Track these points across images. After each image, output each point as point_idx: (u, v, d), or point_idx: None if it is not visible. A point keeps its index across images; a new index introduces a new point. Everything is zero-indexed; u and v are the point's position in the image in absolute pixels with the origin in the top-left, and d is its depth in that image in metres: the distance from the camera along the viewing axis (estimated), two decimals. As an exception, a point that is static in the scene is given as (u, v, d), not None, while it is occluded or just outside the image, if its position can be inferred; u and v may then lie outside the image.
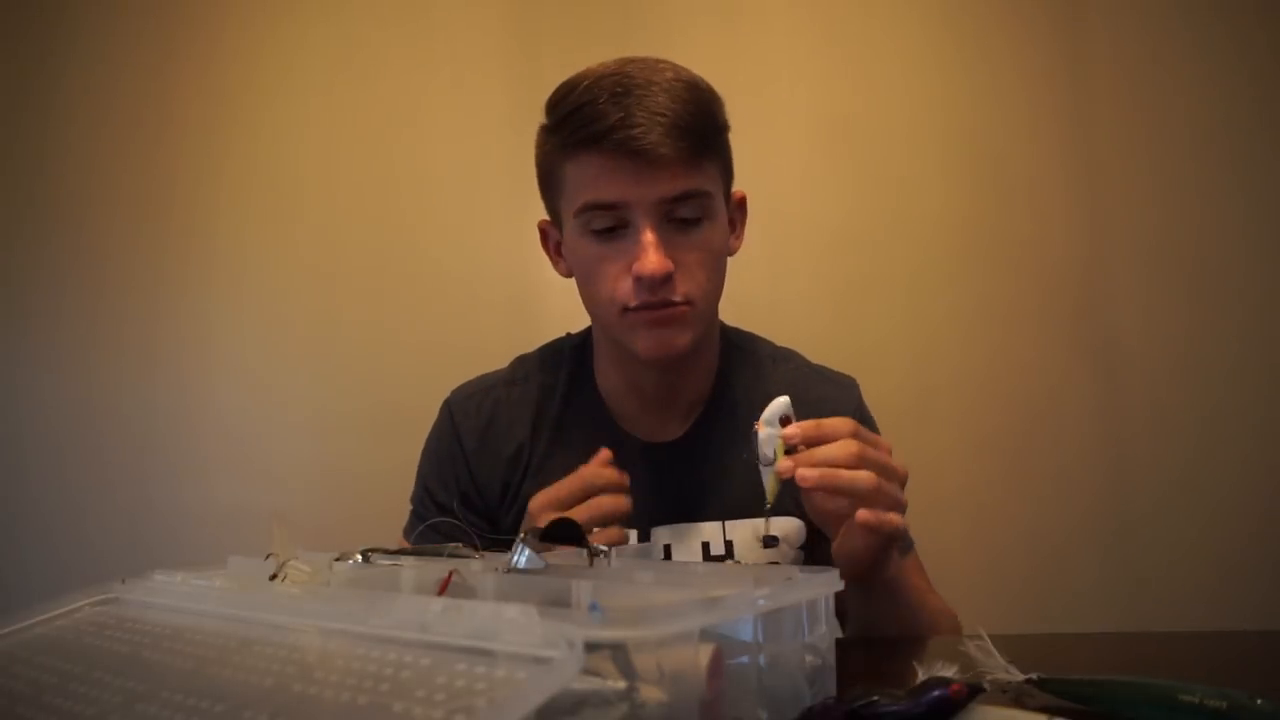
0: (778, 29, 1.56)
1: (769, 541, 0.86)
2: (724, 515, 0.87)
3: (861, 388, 0.97)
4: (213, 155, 1.60)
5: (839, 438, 0.68)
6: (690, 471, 0.89)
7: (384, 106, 1.60)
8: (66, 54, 1.63)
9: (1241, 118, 1.52)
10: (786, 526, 0.87)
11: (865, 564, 0.71)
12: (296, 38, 1.62)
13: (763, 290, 1.48)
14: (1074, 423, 1.50)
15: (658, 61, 0.81)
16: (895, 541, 0.71)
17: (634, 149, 0.75)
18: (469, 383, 0.97)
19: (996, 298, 1.52)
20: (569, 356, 0.96)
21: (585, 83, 0.79)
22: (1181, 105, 1.53)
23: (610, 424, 0.92)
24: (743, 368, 0.94)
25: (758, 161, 1.53)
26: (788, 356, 0.97)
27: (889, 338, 1.49)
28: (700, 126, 0.78)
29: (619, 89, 0.77)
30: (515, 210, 1.56)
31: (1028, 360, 1.52)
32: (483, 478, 0.91)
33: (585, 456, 0.87)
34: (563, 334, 1.00)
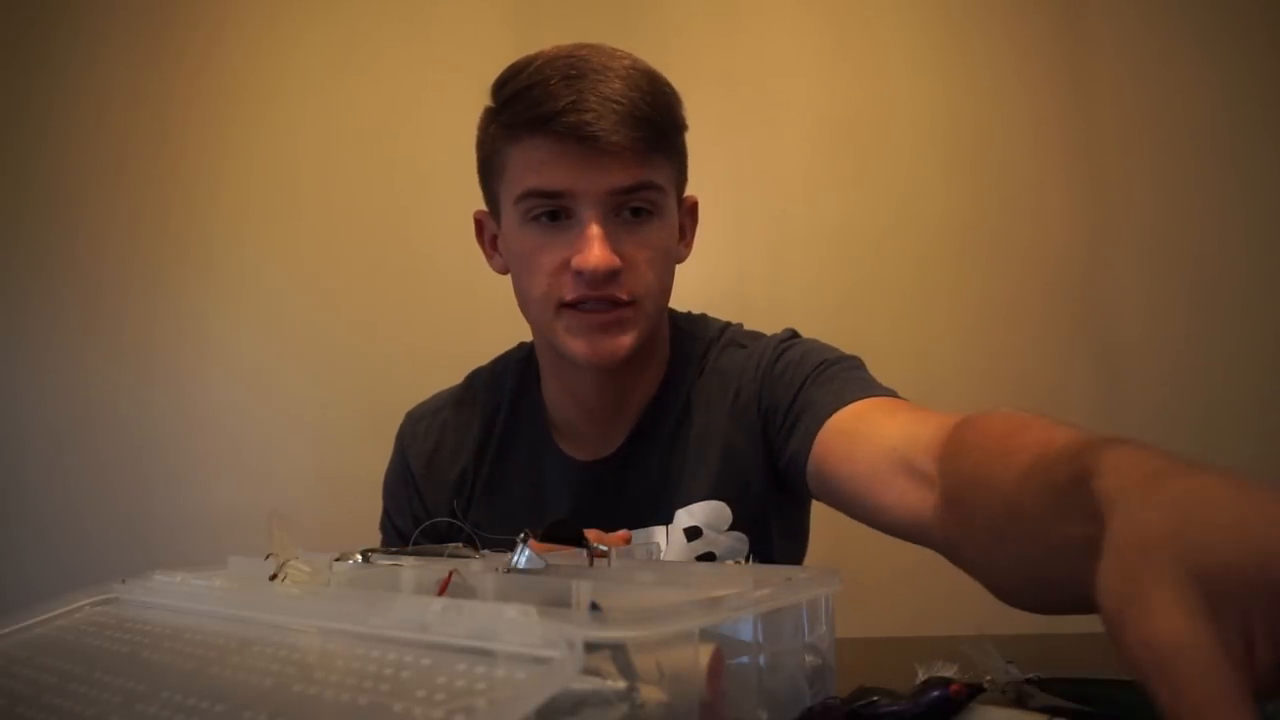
0: (779, 28, 1.56)
1: (691, 534, 0.82)
2: (655, 521, 0.83)
3: None
4: (211, 155, 1.61)
5: None
6: (622, 485, 0.85)
7: (383, 106, 1.60)
8: (64, 53, 1.63)
9: (1242, 117, 1.52)
10: (705, 513, 0.82)
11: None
12: (294, 37, 1.62)
13: (763, 290, 1.48)
14: (1076, 422, 1.50)
15: (615, 49, 0.76)
16: None
17: (584, 134, 0.69)
18: (421, 405, 0.93)
19: (998, 297, 1.53)
20: (514, 370, 0.91)
21: (536, 63, 0.74)
22: (1183, 106, 1.54)
23: (548, 443, 0.87)
24: (690, 364, 0.87)
25: (759, 161, 1.53)
26: (723, 337, 0.89)
27: (890, 337, 1.49)
28: (657, 119, 0.73)
29: (572, 71, 0.71)
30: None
31: (1029, 359, 1.52)
32: (430, 501, 0.88)
33: (529, 477, 0.86)
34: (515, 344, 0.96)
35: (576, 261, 0.72)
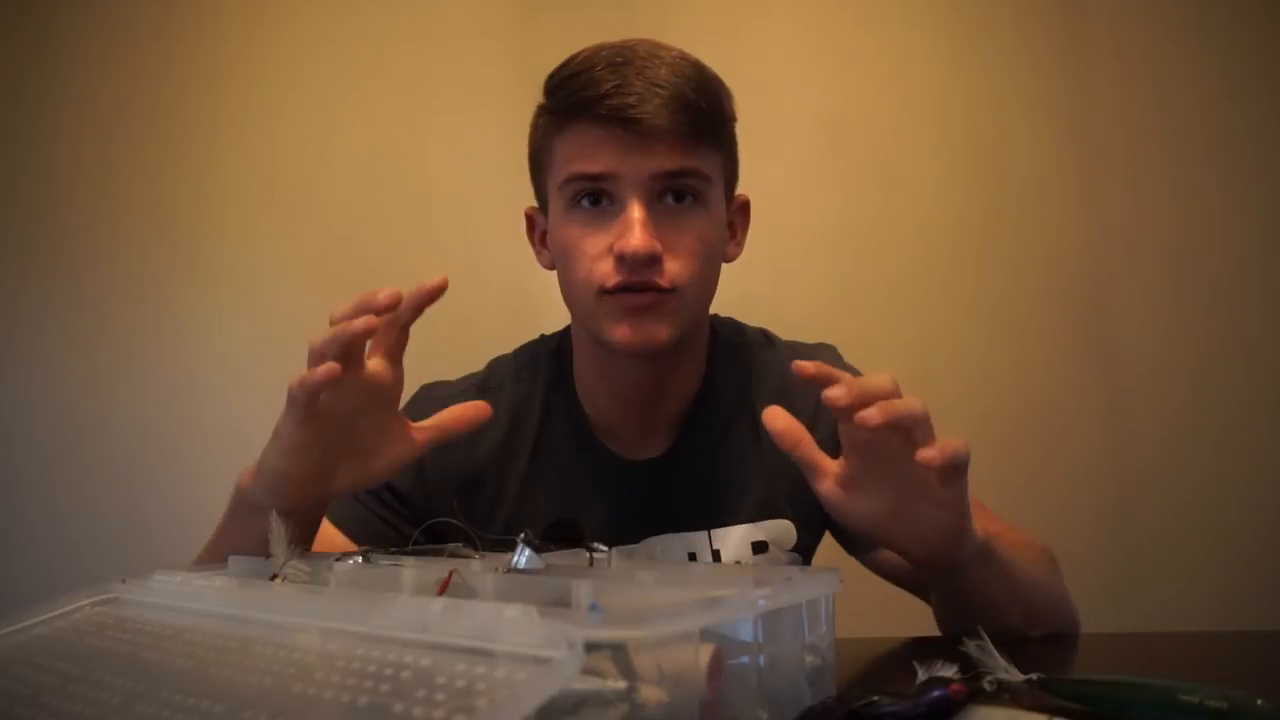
0: (778, 27, 1.57)
1: (758, 548, 0.82)
2: (709, 524, 0.83)
3: None
4: (205, 152, 1.60)
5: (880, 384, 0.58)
6: (675, 486, 0.84)
7: (381, 106, 1.60)
8: (57, 50, 1.62)
9: (1243, 117, 1.52)
10: (775, 530, 0.83)
11: (948, 530, 0.61)
12: (290, 35, 1.62)
13: (763, 290, 1.48)
14: (1075, 423, 1.50)
15: (665, 43, 0.76)
16: (961, 480, 0.59)
17: (627, 118, 0.69)
18: (437, 384, 0.89)
19: (997, 299, 1.53)
20: (546, 362, 0.87)
21: (584, 54, 0.74)
22: (1182, 105, 1.54)
23: (590, 440, 0.84)
24: (731, 364, 0.87)
25: (757, 160, 1.53)
26: (769, 340, 0.91)
27: (889, 338, 1.49)
28: (702, 105, 0.72)
29: (618, 59, 0.72)
30: (515, 209, 1.55)
31: (1028, 360, 1.52)
32: (432, 483, 0.82)
33: (567, 476, 0.83)
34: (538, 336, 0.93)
35: (618, 246, 0.71)
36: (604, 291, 0.73)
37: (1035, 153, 1.55)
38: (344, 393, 0.58)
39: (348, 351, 0.57)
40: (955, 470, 0.58)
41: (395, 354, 0.63)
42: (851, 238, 1.54)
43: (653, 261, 0.71)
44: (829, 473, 0.64)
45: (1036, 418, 1.50)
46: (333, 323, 0.58)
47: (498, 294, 1.52)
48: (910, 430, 0.57)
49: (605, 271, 0.73)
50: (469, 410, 0.66)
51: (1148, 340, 1.51)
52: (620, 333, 0.73)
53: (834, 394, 0.57)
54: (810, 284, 1.52)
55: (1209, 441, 1.48)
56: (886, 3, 1.58)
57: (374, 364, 0.61)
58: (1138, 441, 1.49)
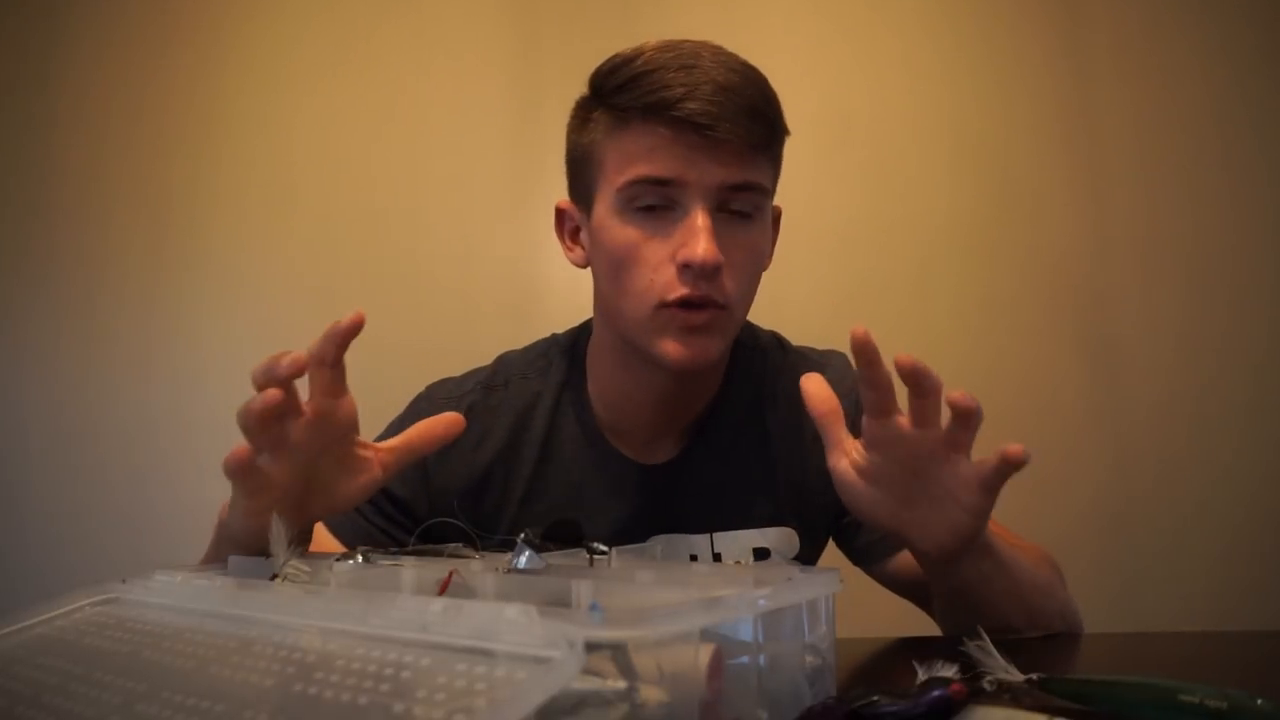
0: (779, 25, 1.57)
1: (760, 554, 0.82)
2: (714, 528, 0.82)
3: None
4: (207, 153, 1.61)
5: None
6: (683, 490, 0.83)
7: (381, 106, 1.60)
8: (60, 52, 1.62)
9: (1241, 118, 1.53)
10: (778, 538, 0.84)
11: (963, 530, 0.61)
12: (292, 35, 1.62)
13: (764, 290, 1.47)
14: (1075, 422, 1.50)
15: (724, 48, 0.74)
16: (999, 489, 0.60)
17: (701, 123, 0.67)
18: (446, 381, 0.88)
19: (999, 297, 1.53)
20: (559, 361, 0.86)
21: (647, 53, 0.72)
22: (1183, 105, 1.54)
23: (600, 441, 0.83)
24: (747, 370, 0.86)
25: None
26: (781, 345, 0.91)
27: (892, 336, 1.48)
28: (771, 117, 0.72)
29: (689, 61, 0.70)
30: (514, 209, 1.56)
31: (1030, 359, 1.52)
32: (437, 484, 0.81)
33: (575, 477, 0.83)
34: (542, 334, 0.92)
35: (683, 254, 0.69)
36: (664, 305, 0.71)
37: (1039, 152, 1.55)
38: (284, 454, 0.56)
39: (264, 425, 0.54)
40: (1006, 474, 0.58)
41: (335, 389, 0.58)
42: (852, 238, 1.54)
43: (715, 273, 0.70)
44: (848, 453, 0.64)
45: (1040, 419, 1.50)
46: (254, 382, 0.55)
47: (499, 297, 1.52)
48: (964, 428, 0.58)
49: (667, 282, 0.70)
50: (438, 426, 0.63)
51: (1152, 341, 1.51)
52: (673, 349, 0.72)
53: (905, 361, 0.58)
54: (810, 284, 1.52)
55: (1209, 442, 1.48)
56: (887, 2, 1.58)
57: (313, 406, 0.57)
58: (1142, 443, 1.49)
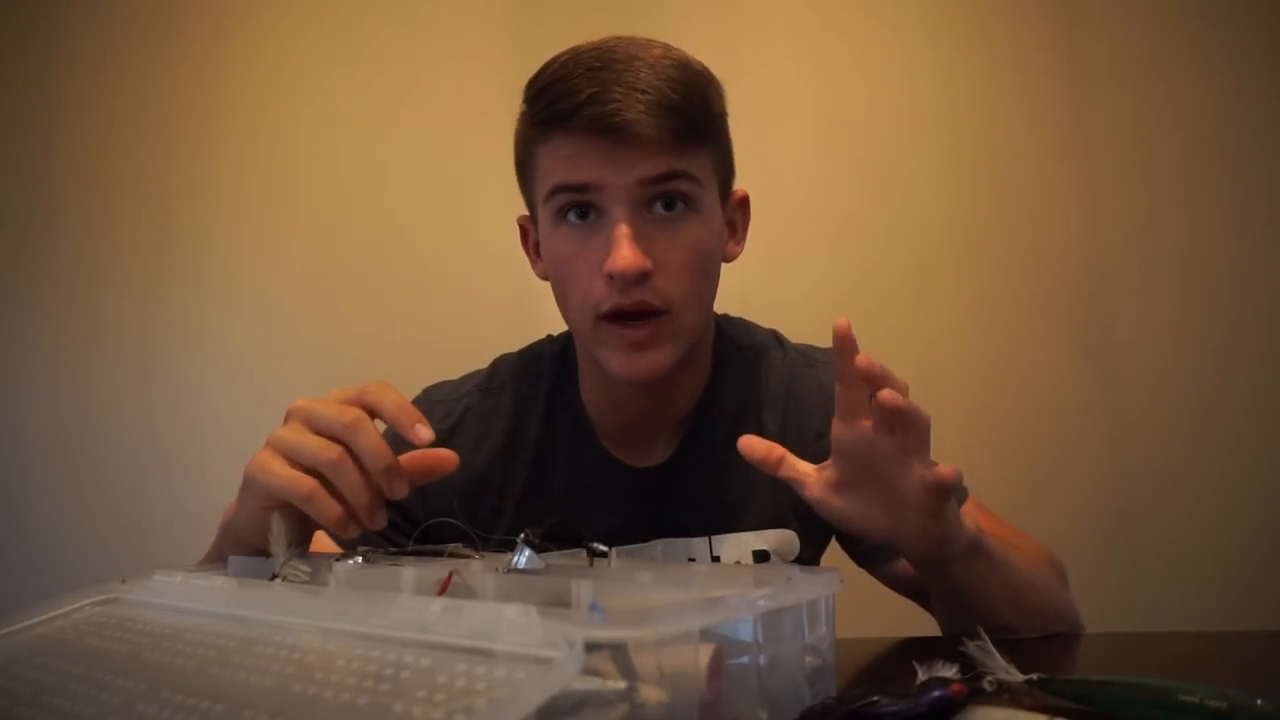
0: (779, 25, 1.56)
1: (759, 556, 0.82)
2: (711, 530, 0.82)
3: None
4: (210, 153, 1.60)
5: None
6: (679, 492, 0.83)
7: (383, 108, 1.60)
8: (62, 54, 1.62)
9: (1240, 119, 1.53)
10: (778, 540, 0.83)
11: (931, 535, 0.62)
12: (294, 36, 1.62)
13: (763, 290, 1.48)
14: (1074, 422, 1.50)
15: (647, 40, 0.73)
16: (947, 499, 0.61)
17: (607, 126, 0.67)
18: (441, 385, 0.88)
19: (998, 297, 1.53)
20: (550, 364, 0.86)
21: (562, 59, 0.71)
22: (1181, 106, 1.54)
23: (595, 444, 0.83)
24: (737, 367, 0.85)
25: (757, 159, 1.53)
26: (780, 343, 0.90)
27: (890, 337, 1.49)
28: (687, 107, 0.69)
29: (597, 64, 0.69)
30: (514, 210, 1.55)
31: (1028, 359, 1.52)
32: (433, 491, 0.76)
33: (571, 481, 0.82)
34: (544, 336, 0.92)
35: (606, 265, 0.68)
36: (600, 317, 0.71)
37: (1037, 152, 1.55)
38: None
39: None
40: (945, 490, 0.59)
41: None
42: (851, 238, 1.54)
43: (643, 279, 0.68)
44: (815, 479, 0.65)
45: (1038, 420, 1.50)
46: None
47: (500, 297, 1.52)
48: (910, 433, 0.58)
49: (599, 294, 0.70)
50: (429, 459, 0.60)
51: (1151, 342, 1.51)
52: (619, 364, 0.72)
53: (862, 361, 0.58)
54: (809, 284, 1.52)
55: (1209, 442, 1.48)
56: (887, 3, 1.58)
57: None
58: (1141, 444, 1.49)
